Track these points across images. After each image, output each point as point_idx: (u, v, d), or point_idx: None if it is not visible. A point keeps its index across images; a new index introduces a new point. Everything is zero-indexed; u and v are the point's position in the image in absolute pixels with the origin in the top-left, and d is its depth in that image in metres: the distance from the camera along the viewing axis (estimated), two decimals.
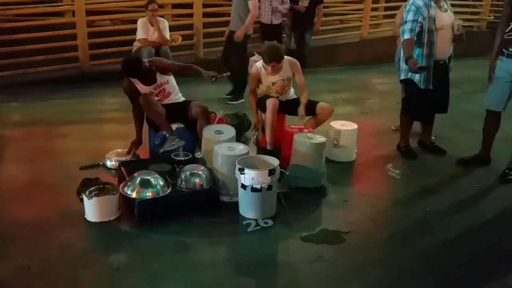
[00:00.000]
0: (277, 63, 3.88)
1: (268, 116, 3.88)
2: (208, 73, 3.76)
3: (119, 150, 3.87)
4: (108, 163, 3.72)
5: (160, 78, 3.72)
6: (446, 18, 3.81)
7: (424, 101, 3.96)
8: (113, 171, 3.64)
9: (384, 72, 7.35)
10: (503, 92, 3.71)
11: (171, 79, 3.83)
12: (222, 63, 5.80)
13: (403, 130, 4.26)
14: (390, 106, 5.65)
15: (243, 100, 5.56)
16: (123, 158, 3.70)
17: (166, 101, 3.81)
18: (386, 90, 6.66)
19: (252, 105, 4.18)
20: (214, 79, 3.76)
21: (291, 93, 4.20)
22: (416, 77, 3.85)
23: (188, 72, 3.87)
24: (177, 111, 3.77)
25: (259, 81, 4.06)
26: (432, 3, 3.74)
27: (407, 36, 3.74)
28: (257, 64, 4.06)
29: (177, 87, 3.91)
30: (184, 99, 3.95)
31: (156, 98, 3.74)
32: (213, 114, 4.32)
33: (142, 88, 3.70)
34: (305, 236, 2.87)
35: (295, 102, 4.10)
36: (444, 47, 3.84)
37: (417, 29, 3.71)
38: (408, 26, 3.72)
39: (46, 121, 4.91)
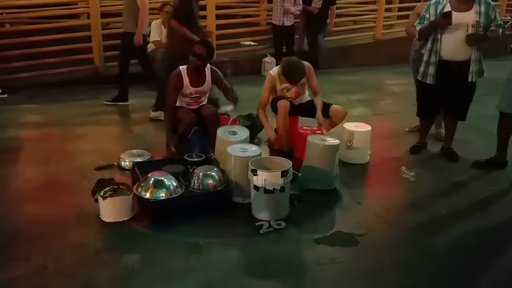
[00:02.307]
0: (301, 80, 3.87)
1: (280, 118, 3.87)
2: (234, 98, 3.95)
3: (134, 151, 3.89)
4: (123, 164, 3.75)
5: (206, 86, 3.86)
6: (458, 17, 3.68)
7: (428, 97, 4.04)
8: (127, 171, 3.67)
9: (398, 73, 7.29)
10: None
11: (209, 92, 3.96)
12: (119, 67, 5.59)
13: (420, 128, 4.40)
14: (404, 107, 5.62)
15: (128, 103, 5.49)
16: (138, 159, 3.73)
17: (194, 107, 3.89)
18: (400, 91, 6.61)
19: (264, 123, 4.02)
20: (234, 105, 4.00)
21: (306, 96, 4.19)
22: (420, 69, 3.95)
23: (226, 94, 3.99)
24: (196, 114, 3.84)
25: (273, 89, 4.00)
26: (444, 0, 3.76)
27: (416, 30, 4.00)
28: (272, 72, 3.99)
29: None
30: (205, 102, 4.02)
31: (189, 101, 3.84)
32: (226, 115, 4.34)
33: (187, 86, 3.77)
34: (318, 238, 2.86)
35: (309, 104, 4.09)
36: (454, 47, 3.76)
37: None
38: (416, 23, 4.01)
39: (62, 122, 4.98)
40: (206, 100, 4.01)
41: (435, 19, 3.78)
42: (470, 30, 3.68)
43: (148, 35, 5.53)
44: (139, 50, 5.40)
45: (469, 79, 3.80)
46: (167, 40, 5.14)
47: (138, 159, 3.72)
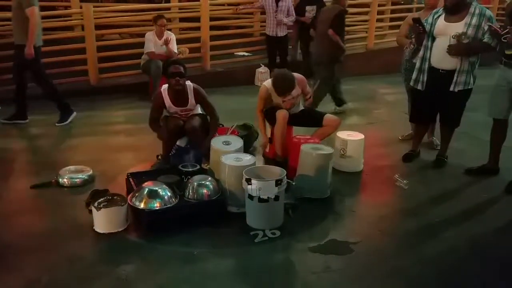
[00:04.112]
0: (291, 91, 3.90)
1: (278, 128, 3.88)
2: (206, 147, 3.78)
3: (72, 167, 3.78)
4: (61, 181, 3.64)
5: (191, 105, 3.87)
6: (446, 28, 3.76)
7: (420, 103, 4.13)
8: (66, 189, 3.59)
9: (390, 83, 7.36)
10: (504, 99, 3.72)
11: (198, 106, 3.97)
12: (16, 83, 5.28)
13: (413, 136, 4.50)
14: (397, 116, 5.67)
15: (74, 113, 5.30)
16: (79, 175, 3.67)
17: (185, 118, 3.93)
18: (393, 100, 6.67)
19: (260, 125, 4.09)
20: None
21: (300, 106, 4.22)
22: (413, 75, 4.07)
23: (210, 117, 3.96)
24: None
25: (267, 99, 4.03)
26: (441, 10, 3.86)
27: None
28: (266, 83, 4.02)
29: (199, 108, 4.02)
30: (200, 111, 4.03)
31: (177, 116, 3.88)
32: (221, 125, 4.36)
33: (170, 106, 3.80)
34: (312, 246, 2.87)
35: (302, 113, 4.12)
36: (439, 56, 3.82)
37: None
38: None
39: (55, 134, 4.97)
40: (197, 111, 4.01)
41: (414, 23, 3.97)
42: (451, 41, 3.73)
43: (40, 47, 5.14)
44: (32, 64, 4.96)
45: (451, 89, 3.82)
46: (316, 46, 5.69)
47: (80, 175, 3.67)
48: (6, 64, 6.08)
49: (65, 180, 3.64)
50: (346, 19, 9.04)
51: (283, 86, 3.81)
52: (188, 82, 3.82)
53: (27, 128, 5.17)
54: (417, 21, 3.88)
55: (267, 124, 4.15)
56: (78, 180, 3.66)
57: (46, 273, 2.57)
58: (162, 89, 3.81)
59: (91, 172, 3.75)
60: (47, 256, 2.73)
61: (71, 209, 3.28)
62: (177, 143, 3.95)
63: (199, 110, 4.02)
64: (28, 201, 3.45)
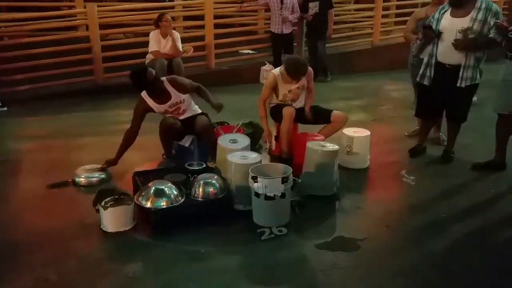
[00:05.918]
0: (304, 75, 3.92)
1: (285, 125, 3.87)
2: (216, 103, 3.82)
3: (87, 166, 3.81)
4: (77, 180, 3.67)
5: (176, 97, 3.79)
6: (451, 23, 3.73)
7: (426, 98, 4.10)
8: (82, 188, 3.62)
9: (396, 79, 7.31)
10: (510, 95, 3.68)
11: (187, 97, 3.88)
12: None
13: (419, 130, 4.50)
14: (403, 112, 5.64)
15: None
16: (96, 174, 3.69)
17: (182, 117, 3.89)
18: (399, 97, 6.63)
19: (262, 115, 4.07)
20: (218, 110, 3.85)
21: (304, 100, 4.21)
22: (420, 70, 4.05)
23: (201, 95, 3.92)
24: (191, 124, 3.86)
25: (274, 89, 4.04)
26: (447, 6, 3.84)
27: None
28: (274, 71, 4.03)
29: (192, 103, 3.97)
30: (199, 111, 4.01)
31: (171, 115, 3.84)
32: (226, 124, 4.36)
33: (157, 107, 3.77)
34: (319, 243, 2.87)
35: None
36: (446, 51, 3.79)
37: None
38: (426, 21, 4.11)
39: (62, 134, 4.99)
40: (194, 109, 3.97)
41: (424, 27, 3.93)
42: (458, 36, 3.70)
43: None
44: None
45: (458, 84, 3.80)
46: None
47: (97, 175, 3.69)
48: (12, 66, 6.15)
49: (81, 179, 3.67)
50: (351, 15, 9.15)
51: (297, 68, 3.83)
52: (161, 78, 3.79)
53: (33, 128, 5.19)
54: (428, 27, 3.84)
55: (273, 122, 4.15)
56: (94, 179, 3.68)
57: (54, 271, 2.59)
58: (142, 95, 3.76)
59: (107, 171, 3.78)
60: (55, 254, 2.75)
61: (82, 208, 3.28)
62: (181, 143, 3.95)
63: (195, 108, 3.98)
64: (41, 200, 3.46)
